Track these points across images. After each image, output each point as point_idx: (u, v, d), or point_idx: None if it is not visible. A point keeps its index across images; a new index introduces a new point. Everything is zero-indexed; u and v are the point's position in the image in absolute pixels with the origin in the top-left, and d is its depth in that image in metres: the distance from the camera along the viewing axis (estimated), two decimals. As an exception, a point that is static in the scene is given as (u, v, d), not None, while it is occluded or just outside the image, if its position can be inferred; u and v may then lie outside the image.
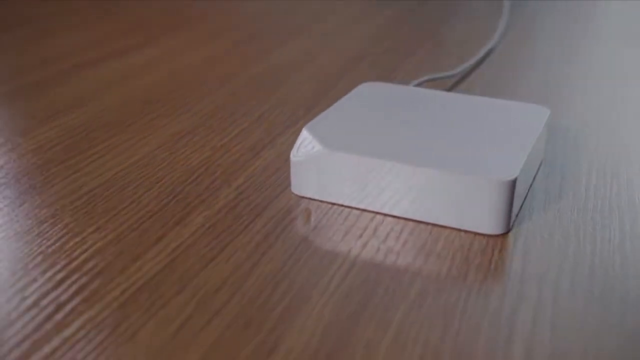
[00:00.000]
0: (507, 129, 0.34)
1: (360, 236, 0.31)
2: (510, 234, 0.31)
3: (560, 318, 0.25)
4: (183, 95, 0.47)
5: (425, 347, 0.24)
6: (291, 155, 0.34)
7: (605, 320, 0.25)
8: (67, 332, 0.24)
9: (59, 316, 0.25)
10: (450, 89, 0.48)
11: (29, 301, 0.26)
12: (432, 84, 0.49)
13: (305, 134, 0.34)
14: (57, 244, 0.30)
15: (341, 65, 0.53)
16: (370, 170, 0.32)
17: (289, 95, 0.47)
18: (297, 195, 0.34)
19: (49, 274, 0.28)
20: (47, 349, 0.23)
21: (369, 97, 0.38)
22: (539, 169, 0.37)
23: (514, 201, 0.30)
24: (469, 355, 0.24)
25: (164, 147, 0.39)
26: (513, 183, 0.30)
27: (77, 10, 0.69)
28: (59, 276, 0.27)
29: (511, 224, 0.31)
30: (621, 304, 0.26)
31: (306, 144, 0.34)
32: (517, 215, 0.32)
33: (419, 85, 0.45)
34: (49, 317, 0.25)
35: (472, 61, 0.51)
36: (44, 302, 0.26)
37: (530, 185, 0.35)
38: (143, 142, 0.40)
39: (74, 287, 0.27)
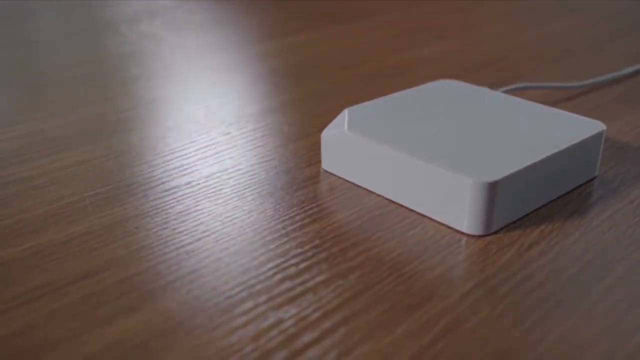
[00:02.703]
0: (539, 137, 0.33)
1: (347, 211, 0.32)
2: (489, 238, 0.31)
3: (458, 324, 0.25)
4: (315, 74, 0.51)
5: (299, 306, 0.26)
6: (322, 132, 0.36)
7: (504, 337, 0.25)
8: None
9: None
10: (550, 102, 0.46)
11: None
12: (530, 94, 0.47)
13: (343, 114, 0.37)
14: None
15: (475, 65, 0.53)
16: (378, 155, 0.33)
17: (399, 86, 0.49)
18: (324, 170, 0.37)
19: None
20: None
21: (431, 92, 0.39)
22: (585, 183, 0.35)
23: (495, 204, 0.30)
24: (340, 325, 0.25)
25: (265, 110, 0.44)
26: (492, 186, 0.30)
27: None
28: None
29: (494, 227, 0.31)
30: (533, 328, 0.25)
31: (338, 124, 0.36)
32: (514, 222, 0.32)
33: (509, 91, 0.44)
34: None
35: (599, 79, 0.48)
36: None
37: (560, 197, 0.34)
38: (252, 103, 0.45)
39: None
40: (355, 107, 0.37)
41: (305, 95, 0.47)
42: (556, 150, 0.32)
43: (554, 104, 0.45)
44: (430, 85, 0.41)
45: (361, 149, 0.34)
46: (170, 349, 0.24)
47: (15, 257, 0.29)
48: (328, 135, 0.36)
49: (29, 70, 0.53)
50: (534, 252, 0.29)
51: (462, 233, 0.31)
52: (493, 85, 0.49)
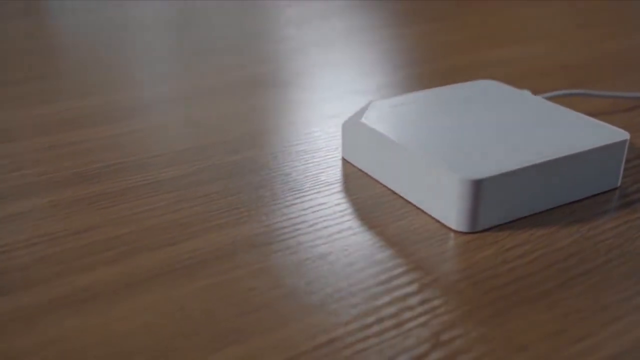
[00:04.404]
0: (552, 141, 0.33)
1: (347, 198, 0.33)
2: (474, 235, 0.30)
3: (402, 311, 0.26)
4: (386, 69, 0.52)
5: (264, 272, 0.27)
6: (343, 122, 0.38)
7: (442, 329, 0.25)
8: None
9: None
10: (601, 111, 0.44)
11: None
12: (583, 103, 0.46)
13: (366, 106, 0.37)
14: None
15: (549, 69, 0.52)
16: (384, 146, 0.34)
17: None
18: (343, 158, 0.38)
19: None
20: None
21: (464, 91, 0.39)
22: (603, 193, 0.34)
23: (481, 202, 0.30)
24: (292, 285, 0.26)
25: (340, 100, 0.46)
26: (477, 184, 0.30)
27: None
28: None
29: (481, 225, 0.31)
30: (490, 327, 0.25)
31: (359, 114, 0.37)
32: (510, 222, 0.31)
33: (555, 96, 0.43)
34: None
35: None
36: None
37: (572, 203, 0.33)
38: (334, 81, 0.47)
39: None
40: (381, 100, 0.38)
41: (370, 88, 0.48)
42: (560, 155, 0.32)
43: (603, 114, 0.44)
44: (467, 84, 0.40)
45: (371, 139, 0.35)
46: (128, 301, 0.26)
47: (35, 208, 0.33)
48: (346, 124, 0.37)
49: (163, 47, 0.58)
50: (512, 254, 0.29)
51: (450, 229, 0.31)
52: (554, 91, 0.48)
